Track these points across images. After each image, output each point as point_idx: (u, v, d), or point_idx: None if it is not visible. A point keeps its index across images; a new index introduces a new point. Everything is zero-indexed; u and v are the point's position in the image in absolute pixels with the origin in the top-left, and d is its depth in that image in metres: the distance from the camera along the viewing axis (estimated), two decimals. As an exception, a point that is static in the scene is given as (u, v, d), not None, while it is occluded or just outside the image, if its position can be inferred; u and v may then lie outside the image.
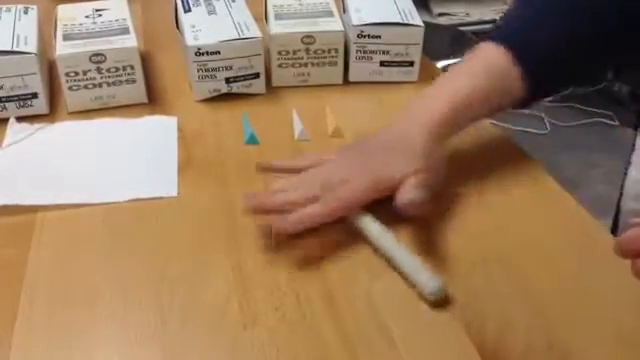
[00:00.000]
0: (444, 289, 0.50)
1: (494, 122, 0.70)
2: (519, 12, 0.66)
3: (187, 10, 0.79)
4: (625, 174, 0.69)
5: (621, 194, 0.69)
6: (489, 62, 0.62)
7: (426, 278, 0.50)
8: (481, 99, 0.60)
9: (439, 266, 0.53)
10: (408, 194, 0.55)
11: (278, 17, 0.78)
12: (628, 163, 0.68)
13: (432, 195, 0.55)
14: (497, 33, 0.64)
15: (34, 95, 0.72)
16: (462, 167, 0.65)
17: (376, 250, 0.54)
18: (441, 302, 0.50)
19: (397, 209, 0.55)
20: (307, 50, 0.77)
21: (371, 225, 0.55)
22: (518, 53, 0.61)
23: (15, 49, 0.69)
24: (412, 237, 0.56)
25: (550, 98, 0.66)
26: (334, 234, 0.56)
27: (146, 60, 0.83)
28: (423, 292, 0.50)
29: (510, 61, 0.61)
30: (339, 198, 0.55)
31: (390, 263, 0.53)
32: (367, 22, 0.77)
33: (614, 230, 0.71)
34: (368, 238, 0.55)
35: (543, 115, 2.35)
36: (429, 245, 0.56)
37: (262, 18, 0.80)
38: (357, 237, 0.56)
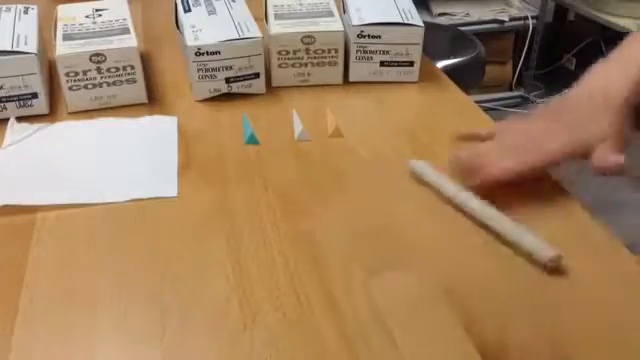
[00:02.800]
0: (561, 256, 0.52)
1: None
2: None
3: (187, 10, 0.79)
4: None
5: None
6: None
7: (545, 247, 0.53)
8: None
9: (437, 266, 0.53)
10: (607, 157, 0.58)
11: (278, 17, 0.78)
12: None
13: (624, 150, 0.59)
14: None
15: (34, 95, 0.72)
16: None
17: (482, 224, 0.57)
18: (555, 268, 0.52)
19: (596, 170, 0.58)
20: (307, 50, 0.77)
21: (474, 202, 0.58)
22: None
23: (15, 49, 0.69)
24: (412, 234, 0.56)
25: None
26: (334, 234, 0.56)
27: (146, 60, 0.83)
28: (542, 259, 0.53)
29: None
30: (539, 155, 0.60)
31: (501, 235, 0.56)
32: (367, 22, 0.77)
33: None
34: (472, 212, 0.58)
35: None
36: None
37: (262, 18, 0.80)
38: (357, 237, 0.56)
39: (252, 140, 0.69)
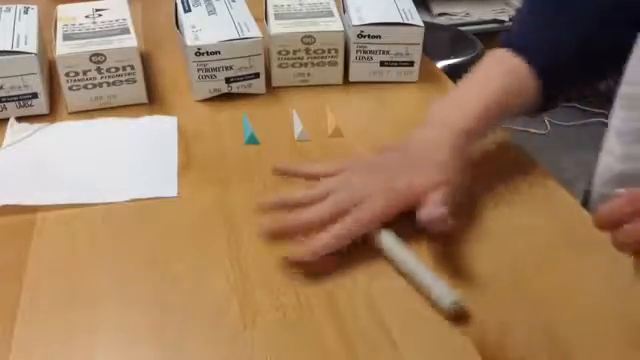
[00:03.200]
0: (461, 301, 0.49)
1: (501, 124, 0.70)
2: (528, 17, 0.67)
3: (187, 10, 0.79)
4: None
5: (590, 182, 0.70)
6: (506, 66, 0.62)
7: (446, 291, 0.49)
8: (504, 102, 0.61)
9: (438, 264, 0.53)
10: (431, 210, 0.53)
11: (278, 17, 0.78)
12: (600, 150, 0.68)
13: (454, 208, 0.54)
14: (508, 38, 0.65)
15: (34, 95, 0.72)
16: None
17: (392, 263, 0.53)
18: (458, 315, 0.49)
19: (420, 224, 0.53)
20: (307, 50, 0.77)
21: (388, 240, 0.54)
22: (532, 57, 0.62)
23: (15, 49, 0.69)
24: (414, 237, 0.56)
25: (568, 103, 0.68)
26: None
27: (146, 60, 0.83)
28: (442, 304, 0.49)
29: (525, 65, 0.62)
30: (360, 218, 0.53)
31: (407, 277, 0.52)
32: (367, 22, 0.77)
33: (590, 186, 0.71)
34: (385, 252, 0.54)
35: (543, 115, 2.35)
36: (434, 248, 0.56)
37: (262, 18, 0.80)
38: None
39: (252, 140, 0.69)
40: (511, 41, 0.64)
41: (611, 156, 0.64)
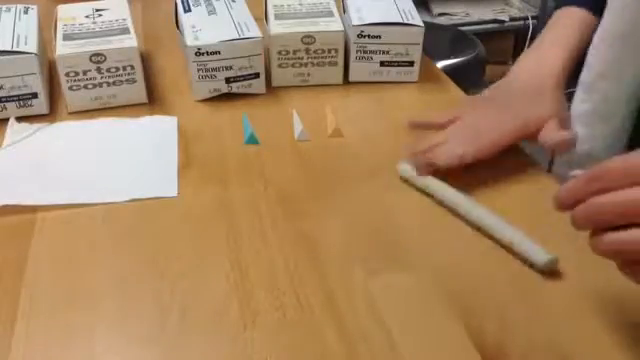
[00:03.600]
0: (556, 260, 0.52)
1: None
2: None
3: (187, 10, 0.79)
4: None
5: (551, 162, 0.76)
6: (577, 19, 0.70)
7: (541, 252, 0.53)
8: (582, 46, 0.69)
9: (437, 266, 0.53)
10: (556, 134, 0.61)
11: (278, 17, 0.78)
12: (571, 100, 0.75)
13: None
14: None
15: (34, 95, 0.72)
16: (461, 166, 0.65)
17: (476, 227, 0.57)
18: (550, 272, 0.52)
19: (547, 148, 0.62)
20: (307, 50, 0.77)
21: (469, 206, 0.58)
22: (595, 10, 0.69)
23: (15, 49, 0.69)
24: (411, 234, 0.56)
25: None
26: (334, 234, 0.56)
27: (146, 60, 0.83)
28: (538, 263, 0.52)
29: (591, 16, 0.69)
30: (491, 141, 0.62)
31: (496, 239, 0.55)
32: (367, 22, 0.77)
33: (550, 168, 0.75)
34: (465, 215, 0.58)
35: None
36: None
37: (262, 18, 0.80)
38: (357, 237, 0.56)
39: (252, 140, 0.69)
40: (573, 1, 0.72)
41: None
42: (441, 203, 0.60)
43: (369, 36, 0.77)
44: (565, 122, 0.64)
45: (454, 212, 0.59)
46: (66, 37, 0.73)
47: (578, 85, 0.70)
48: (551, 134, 0.62)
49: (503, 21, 2.38)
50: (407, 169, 0.62)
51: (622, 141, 0.68)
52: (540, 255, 0.52)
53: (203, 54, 0.72)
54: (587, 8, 0.70)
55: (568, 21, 0.71)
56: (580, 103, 0.69)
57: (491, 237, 0.56)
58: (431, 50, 0.86)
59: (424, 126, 0.68)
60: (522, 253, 0.53)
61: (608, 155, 0.64)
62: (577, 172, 0.57)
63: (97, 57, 0.71)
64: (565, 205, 0.42)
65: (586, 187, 0.41)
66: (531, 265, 0.53)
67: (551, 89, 0.66)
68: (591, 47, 0.68)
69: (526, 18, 2.40)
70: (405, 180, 0.63)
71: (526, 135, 0.63)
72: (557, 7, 0.73)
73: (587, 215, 0.41)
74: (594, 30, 0.68)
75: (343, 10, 0.82)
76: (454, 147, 0.61)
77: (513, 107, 0.65)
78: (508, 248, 0.54)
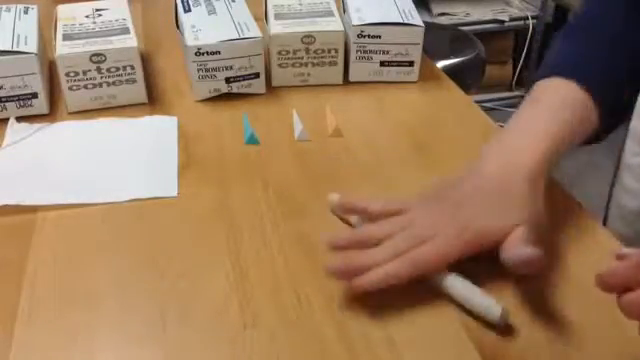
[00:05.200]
0: (507, 313, 0.48)
1: (501, 124, 0.70)
2: (569, 46, 0.64)
3: (187, 10, 0.79)
4: (618, 163, 0.67)
5: (613, 184, 0.68)
6: (565, 95, 0.58)
7: (491, 305, 0.48)
8: (570, 132, 0.57)
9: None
10: (520, 250, 0.48)
11: (278, 17, 0.78)
12: (622, 150, 0.66)
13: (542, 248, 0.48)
14: (557, 69, 0.61)
15: (34, 95, 0.72)
16: (461, 166, 0.65)
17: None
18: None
19: (507, 266, 0.49)
20: (307, 50, 0.77)
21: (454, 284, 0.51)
22: (588, 84, 0.58)
23: (15, 49, 0.69)
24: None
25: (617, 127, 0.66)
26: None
27: (146, 60, 0.83)
28: (490, 318, 0.48)
29: (583, 92, 0.58)
30: (427, 259, 0.49)
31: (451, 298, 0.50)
32: (367, 22, 0.77)
33: (605, 222, 0.70)
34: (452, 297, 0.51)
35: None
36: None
37: (262, 18, 0.80)
38: (357, 237, 0.56)
39: (252, 140, 0.69)
40: (560, 70, 0.60)
41: (624, 192, 0.62)
42: None
43: (369, 36, 0.77)
44: (535, 230, 0.50)
45: None
46: (66, 37, 0.73)
47: (628, 135, 0.61)
48: (513, 250, 0.48)
49: (503, 21, 2.38)
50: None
51: None
52: (492, 309, 0.48)
53: (203, 54, 0.72)
54: (577, 80, 0.58)
55: (554, 98, 0.58)
56: (632, 156, 0.61)
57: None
58: (431, 50, 0.86)
59: (356, 210, 0.56)
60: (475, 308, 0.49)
61: None
62: (626, 251, 0.43)
63: (97, 57, 0.71)
64: (609, 289, 0.40)
65: (632, 271, 0.39)
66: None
67: (521, 190, 0.51)
68: None
69: (526, 18, 2.40)
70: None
71: (481, 249, 0.50)
72: (537, 77, 0.61)
73: (636, 309, 0.39)
74: (586, 109, 0.57)
75: (343, 10, 0.82)
76: (386, 262, 0.49)
77: (467, 213, 0.51)
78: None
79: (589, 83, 0.58)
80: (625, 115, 0.64)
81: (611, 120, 0.60)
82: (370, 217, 0.54)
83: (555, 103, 0.57)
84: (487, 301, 0.48)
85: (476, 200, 0.52)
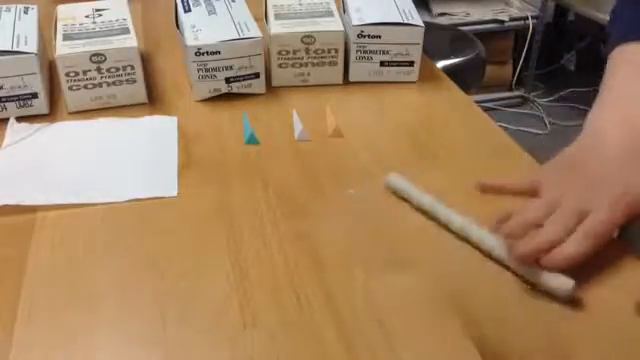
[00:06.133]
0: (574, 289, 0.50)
1: (501, 124, 0.70)
2: (633, 9, 0.64)
3: (187, 10, 0.79)
4: None
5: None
6: None
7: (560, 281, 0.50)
8: None
9: (437, 266, 0.53)
10: None
11: (278, 17, 0.78)
12: None
13: None
14: (630, 33, 0.61)
15: (34, 95, 0.72)
16: (461, 166, 0.65)
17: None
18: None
19: None
20: (307, 50, 0.77)
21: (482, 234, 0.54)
22: None
23: (15, 49, 0.69)
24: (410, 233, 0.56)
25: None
26: (334, 234, 0.56)
27: (146, 60, 0.83)
28: (556, 292, 0.50)
29: None
30: (598, 231, 0.50)
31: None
32: (367, 22, 0.77)
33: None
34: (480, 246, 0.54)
35: (543, 115, 2.36)
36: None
37: (262, 18, 0.80)
38: (357, 237, 0.56)
39: (252, 140, 0.69)
40: (629, 33, 0.61)
41: None
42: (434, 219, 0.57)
43: (369, 36, 0.77)
44: None
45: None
46: (66, 37, 0.73)
47: None
48: None
49: (503, 21, 2.38)
50: (398, 182, 0.60)
51: None
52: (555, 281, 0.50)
53: (203, 54, 0.72)
54: None
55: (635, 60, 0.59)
56: None
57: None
58: (431, 50, 0.86)
59: (496, 190, 0.58)
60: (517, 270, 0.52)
61: None
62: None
63: (97, 57, 0.71)
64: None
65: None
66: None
67: None
68: None
69: (526, 18, 2.40)
70: (393, 192, 0.60)
71: (633, 216, 0.51)
72: (607, 44, 0.62)
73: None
74: None
75: (343, 10, 0.82)
76: (567, 245, 0.50)
77: (615, 177, 0.52)
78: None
79: None
80: None
81: None
82: (514, 194, 0.57)
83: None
84: (556, 276, 0.50)
85: (621, 164, 0.53)
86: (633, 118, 0.55)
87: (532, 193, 0.55)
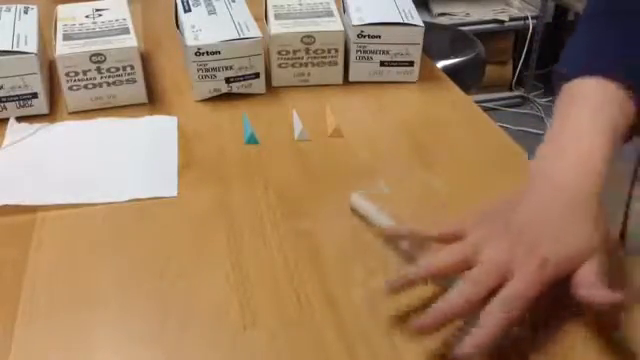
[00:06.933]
0: None
1: (501, 124, 0.70)
2: (590, 40, 0.60)
3: (187, 10, 0.79)
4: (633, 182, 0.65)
5: (630, 196, 0.66)
6: (602, 93, 0.54)
7: None
8: (620, 132, 0.52)
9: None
10: (595, 288, 0.43)
11: (278, 17, 0.78)
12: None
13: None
14: (585, 68, 0.56)
15: (34, 95, 0.72)
16: (461, 166, 0.65)
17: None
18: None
19: (581, 300, 0.44)
20: (307, 50, 0.77)
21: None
22: (619, 78, 0.54)
23: (15, 49, 0.69)
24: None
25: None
26: (334, 234, 0.56)
27: (146, 60, 0.83)
28: None
29: (615, 88, 0.53)
30: (515, 307, 0.43)
31: None
32: (367, 22, 0.77)
33: (623, 234, 0.67)
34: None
35: (543, 115, 2.36)
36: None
37: (262, 18, 0.80)
38: (357, 237, 0.56)
39: (252, 140, 0.69)
40: (591, 68, 0.55)
41: None
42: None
43: (369, 36, 0.77)
44: (604, 256, 0.46)
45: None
46: (66, 37, 0.73)
47: None
48: (588, 288, 0.43)
49: (503, 21, 2.38)
50: (361, 204, 0.57)
51: None
52: None
53: (203, 54, 0.72)
54: (615, 76, 0.53)
55: (597, 98, 0.53)
56: None
57: None
58: (431, 50, 0.86)
59: (421, 238, 0.53)
60: None
61: None
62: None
63: (97, 57, 0.71)
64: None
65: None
66: None
67: (593, 200, 0.47)
68: None
69: (526, 18, 2.40)
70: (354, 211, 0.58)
71: (557, 280, 0.45)
72: (560, 77, 0.57)
73: None
74: (628, 104, 0.53)
75: (343, 10, 0.82)
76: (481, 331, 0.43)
77: (541, 240, 0.46)
78: None
79: (621, 77, 0.54)
80: None
81: None
82: (422, 243, 0.51)
83: (597, 102, 0.53)
84: None
85: (544, 225, 0.47)
86: (575, 169, 0.49)
87: (455, 240, 0.48)
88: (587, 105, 0.53)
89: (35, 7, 0.80)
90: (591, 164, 0.49)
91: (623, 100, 0.53)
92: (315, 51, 0.77)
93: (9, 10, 0.78)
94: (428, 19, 2.28)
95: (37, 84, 0.71)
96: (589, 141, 0.50)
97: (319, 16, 0.78)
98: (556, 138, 0.52)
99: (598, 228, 0.46)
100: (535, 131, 2.27)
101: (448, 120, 0.74)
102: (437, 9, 2.40)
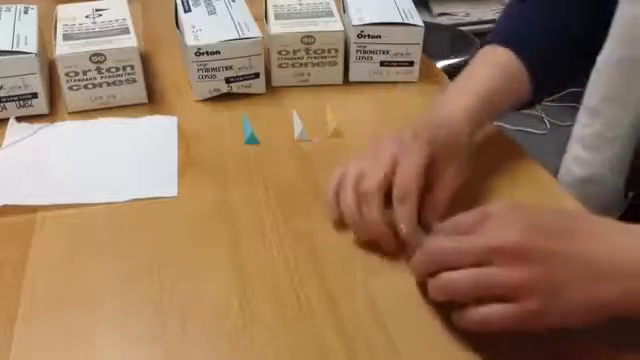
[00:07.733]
0: None
1: (501, 124, 0.71)
2: (514, 12, 0.71)
3: (187, 10, 0.79)
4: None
5: (563, 154, 0.73)
6: (499, 63, 0.64)
7: None
8: (499, 98, 0.63)
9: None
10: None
11: (278, 17, 0.78)
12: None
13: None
14: (497, 36, 0.67)
15: (34, 95, 0.72)
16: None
17: None
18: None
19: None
20: (307, 50, 0.77)
21: None
22: (521, 53, 0.64)
23: (15, 49, 0.69)
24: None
25: (551, 97, 0.68)
26: (334, 234, 0.56)
27: (146, 60, 0.83)
28: None
29: (515, 61, 0.64)
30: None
31: None
32: (367, 22, 0.77)
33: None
34: None
35: (543, 115, 2.35)
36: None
37: (262, 18, 0.80)
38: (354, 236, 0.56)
39: (252, 140, 0.69)
40: (498, 37, 0.67)
41: (574, 161, 0.68)
42: None
43: (369, 36, 0.77)
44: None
45: None
46: (66, 37, 0.73)
47: (581, 108, 0.67)
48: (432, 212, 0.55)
49: (503, 21, 2.38)
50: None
51: (625, 165, 0.64)
52: None
53: (203, 54, 0.72)
54: (513, 48, 0.64)
55: (485, 64, 0.65)
56: (583, 127, 0.66)
57: None
58: (431, 50, 0.86)
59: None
60: None
61: (610, 179, 0.65)
62: (439, 226, 0.50)
63: (97, 57, 0.71)
64: (421, 277, 0.48)
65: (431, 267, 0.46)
66: None
67: (465, 137, 0.59)
68: (594, 71, 0.63)
69: (526, 18, 2.40)
70: None
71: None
72: (484, 44, 0.68)
73: (445, 292, 0.46)
74: (516, 75, 0.64)
75: (343, 10, 0.82)
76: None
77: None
78: None
79: (523, 52, 0.64)
80: (557, 91, 0.73)
81: (542, 94, 0.68)
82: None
83: (489, 70, 0.64)
84: None
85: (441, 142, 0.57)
86: (452, 111, 0.60)
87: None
88: (480, 71, 0.64)
89: (35, 7, 0.80)
90: (457, 110, 0.60)
91: (519, 70, 0.64)
92: (315, 51, 0.77)
93: (9, 10, 0.78)
94: (428, 19, 2.28)
95: (37, 84, 0.71)
96: (458, 101, 0.61)
97: (319, 16, 0.78)
98: (449, 91, 0.64)
99: (468, 162, 0.59)
100: (535, 131, 2.27)
101: (448, 120, 0.74)
102: (437, 9, 2.39)
